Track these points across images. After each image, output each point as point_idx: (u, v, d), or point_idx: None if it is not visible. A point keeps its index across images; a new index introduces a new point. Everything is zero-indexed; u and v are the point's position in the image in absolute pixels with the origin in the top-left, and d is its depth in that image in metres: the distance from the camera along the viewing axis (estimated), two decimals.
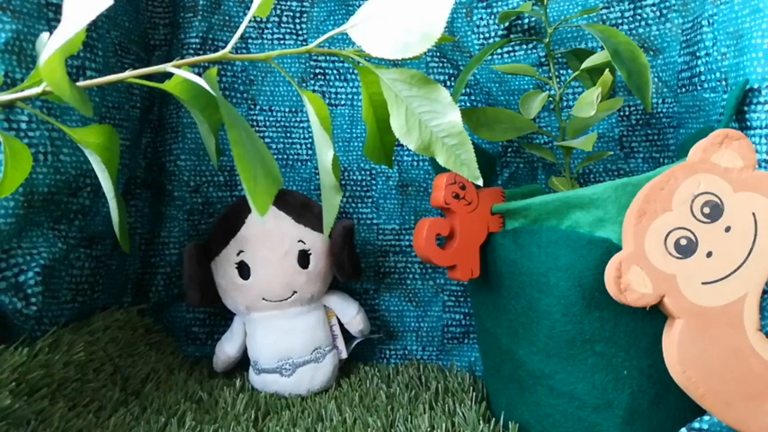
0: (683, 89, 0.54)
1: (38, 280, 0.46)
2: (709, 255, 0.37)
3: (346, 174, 0.64)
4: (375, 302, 0.64)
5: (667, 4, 0.56)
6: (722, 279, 0.37)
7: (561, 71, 0.60)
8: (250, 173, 0.30)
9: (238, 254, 0.55)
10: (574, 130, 0.51)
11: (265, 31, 0.64)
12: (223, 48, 0.43)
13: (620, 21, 0.58)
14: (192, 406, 0.51)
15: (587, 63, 0.47)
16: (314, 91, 0.64)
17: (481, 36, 0.61)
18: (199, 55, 0.60)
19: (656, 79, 0.57)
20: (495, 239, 0.46)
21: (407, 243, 0.63)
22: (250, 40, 0.64)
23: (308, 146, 0.64)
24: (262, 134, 0.64)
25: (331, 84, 0.64)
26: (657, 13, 0.57)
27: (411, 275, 0.64)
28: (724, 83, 0.47)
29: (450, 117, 0.34)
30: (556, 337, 0.41)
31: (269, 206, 0.31)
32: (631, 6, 0.57)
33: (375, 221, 0.64)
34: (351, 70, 0.64)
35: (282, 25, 0.64)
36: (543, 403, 0.43)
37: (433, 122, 0.35)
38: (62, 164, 0.48)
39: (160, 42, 0.64)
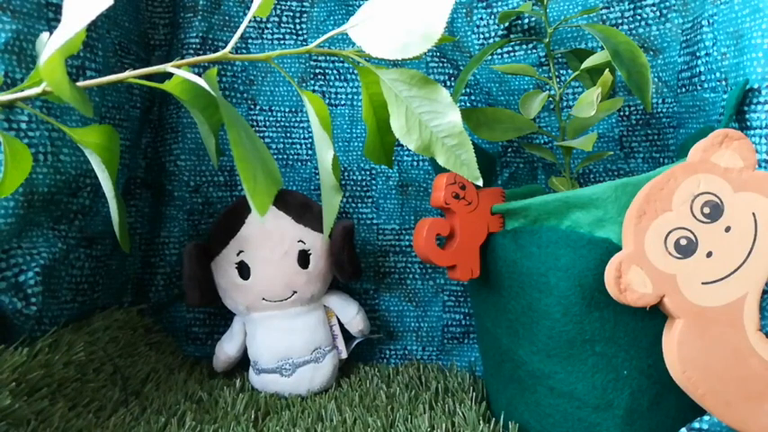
0: (683, 89, 0.54)
1: (38, 280, 0.46)
2: (709, 255, 0.37)
3: (346, 174, 0.64)
4: (375, 302, 0.64)
5: (667, 4, 0.56)
6: (722, 279, 0.37)
7: (561, 71, 0.60)
8: (250, 173, 0.30)
9: (238, 254, 0.55)
10: (574, 130, 0.51)
11: (265, 31, 0.64)
12: (223, 48, 0.43)
13: (620, 21, 0.58)
14: (192, 406, 0.51)
15: (587, 63, 0.47)
16: (314, 91, 0.64)
17: (481, 36, 0.61)
18: (199, 55, 0.60)
19: (656, 79, 0.57)
20: (495, 239, 0.46)
21: (407, 243, 0.63)
22: (250, 40, 0.64)
23: (308, 146, 0.64)
24: (262, 134, 0.64)
25: (331, 84, 0.64)
26: (657, 13, 0.57)
27: (411, 275, 0.64)
28: (724, 83, 0.47)
29: (450, 117, 0.34)
30: (556, 337, 0.41)
31: (269, 206, 0.31)
32: (631, 6, 0.57)
33: (375, 221, 0.64)
34: (351, 70, 0.64)
35: (282, 25, 0.64)
36: (543, 403, 0.43)
37: (433, 123, 0.35)
38: (62, 164, 0.48)
39: (160, 42, 0.64)
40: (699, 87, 0.51)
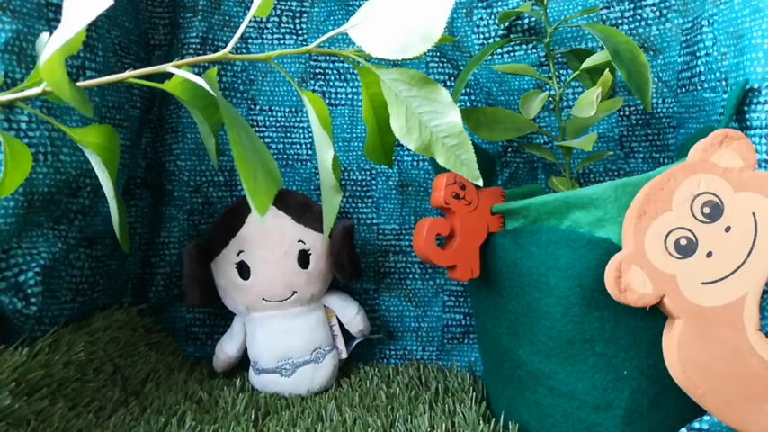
0: (683, 89, 0.54)
1: (38, 280, 0.46)
2: (709, 255, 0.37)
3: (346, 174, 0.64)
4: (375, 302, 0.64)
5: (667, 4, 0.56)
6: (722, 279, 0.37)
7: (561, 71, 0.60)
8: (250, 173, 0.30)
9: (238, 254, 0.55)
10: (574, 130, 0.51)
11: (265, 31, 0.64)
12: (223, 48, 0.43)
13: (620, 21, 0.58)
14: (192, 406, 0.51)
15: (587, 63, 0.47)
16: (314, 91, 0.64)
17: (481, 36, 0.61)
18: (199, 55, 0.60)
19: (656, 79, 0.57)
20: (495, 239, 0.46)
21: (407, 243, 0.63)
22: (250, 40, 0.64)
23: (308, 146, 0.64)
24: (262, 134, 0.64)
25: (331, 84, 0.64)
26: (657, 13, 0.57)
27: (411, 275, 0.64)
28: (724, 83, 0.47)
29: (451, 117, 0.34)
30: (556, 337, 0.41)
31: (269, 206, 0.31)
32: (631, 6, 0.57)
33: (375, 221, 0.64)
34: (351, 70, 0.64)
35: (282, 25, 0.64)
36: (543, 403, 0.43)
37: (433, 123, 0.35)
38: (62, 164, 0.48)
39: (160, 42, 0.64)
40: (699, 87, 0.51)
